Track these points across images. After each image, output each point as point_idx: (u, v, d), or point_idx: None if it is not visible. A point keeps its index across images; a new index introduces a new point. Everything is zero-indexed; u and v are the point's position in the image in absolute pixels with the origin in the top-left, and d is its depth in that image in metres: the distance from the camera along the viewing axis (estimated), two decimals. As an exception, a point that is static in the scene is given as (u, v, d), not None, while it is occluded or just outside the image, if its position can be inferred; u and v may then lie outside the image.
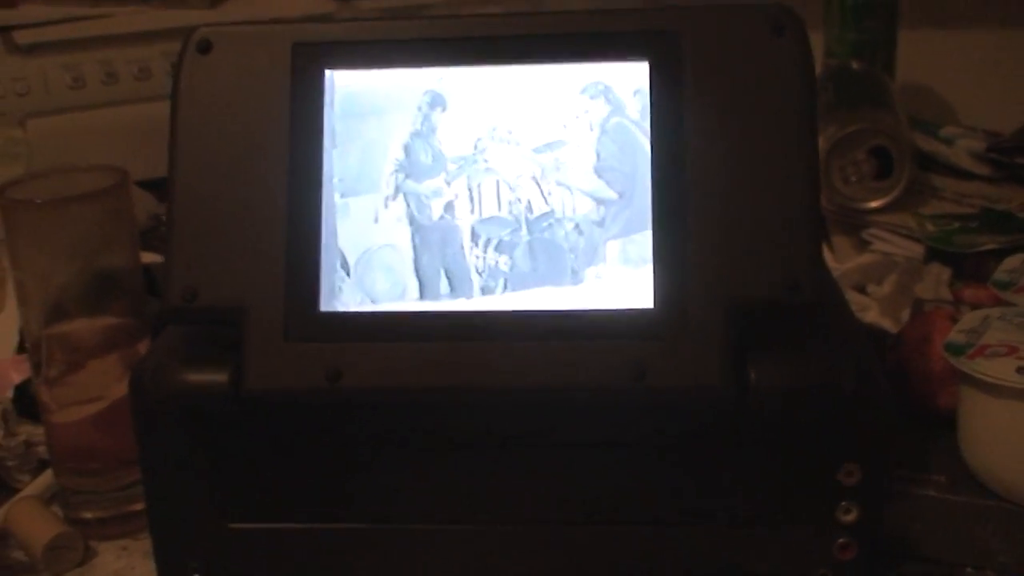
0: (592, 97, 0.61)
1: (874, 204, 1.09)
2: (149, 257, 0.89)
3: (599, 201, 0.60)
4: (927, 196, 1.14)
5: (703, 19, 0.61)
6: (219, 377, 0.59)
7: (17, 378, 0.86)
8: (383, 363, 0.59)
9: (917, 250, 1.03)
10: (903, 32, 1.28)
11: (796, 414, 0.60)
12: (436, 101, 0.61)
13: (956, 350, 0.69)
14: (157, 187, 1.04)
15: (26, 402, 0.84)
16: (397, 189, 0.61)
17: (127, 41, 1.18)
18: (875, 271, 1.01)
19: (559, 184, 0.61)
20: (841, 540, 0.63)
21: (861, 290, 0.99)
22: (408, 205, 0.61)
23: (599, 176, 0.61)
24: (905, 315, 0.92)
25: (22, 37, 1.16)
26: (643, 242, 0.60)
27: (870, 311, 0.95)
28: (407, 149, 0.61)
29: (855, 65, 1.25)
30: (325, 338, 0.60)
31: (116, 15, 1.21)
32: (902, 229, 1.06)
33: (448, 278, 0.61)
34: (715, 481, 0.63)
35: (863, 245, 1.06)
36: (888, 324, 0.93)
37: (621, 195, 0.60)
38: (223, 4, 1.26)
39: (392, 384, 0.59)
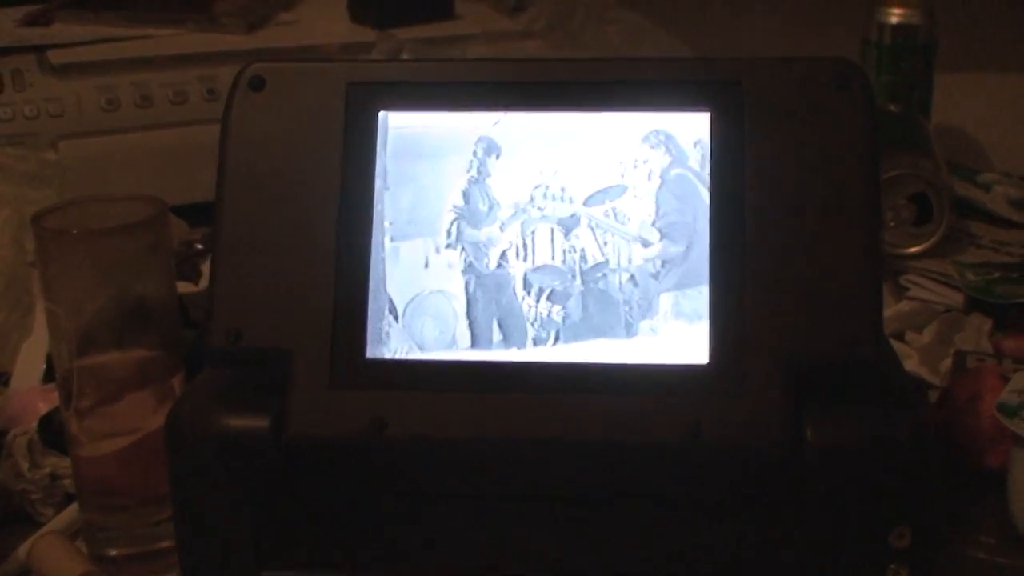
0: (653, 146, 0.60)
1: (913, 250, 1.08)
2: (181, 286, 0.87)
3: (658, 255, 0.59)
4: (965, 243, 1.13)
5: (766, 70, 0.59)
6: (260, 423, 0.58)
7: (44, 408, 0.84)
8: (429, 413, 0.58)
9: (956, 298, 1.02)
10: (939, 75, 1.27)
11: (851, 473, 0.58)
12: (491, 147, 0.60)
13: (1009, 411, 0.68)
14: (190, 213, 1.03)
15: (52, 433, 0.82)
16: (458, 236, 0.60)
17: (163, 64, 1.17)
18: (914, 319, 0.99)
19: (615, 234, 0.59)
20: (890, 604, 0.61)
21: (899, 337, 0.98)
22: (465, 252, 0.60)
23: (658, 229, 0.59)
24: (945, 365, 0.91)
25: (56, 57, 1.15)
26: (699, 296, 0.58)
27: (909, 360, 0.94)
28: (466, 195, 0.60)
29: (893, 108, 1.24)
30: (371, 386, 0.58)
31: (152, 37, 1.20)
32: (941, 276, 1.05)
33: (500, 327, 0.59)
34: (766, 541, 0.61)
35: (900, 291, 1.05)
36: (927, 373, 0.92)
37: (681, 249, 0.59)
38: (260, 29, 1.25)
39: (438, 435, 0.58)
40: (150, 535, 0.76)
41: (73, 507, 0.79)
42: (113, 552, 0.76)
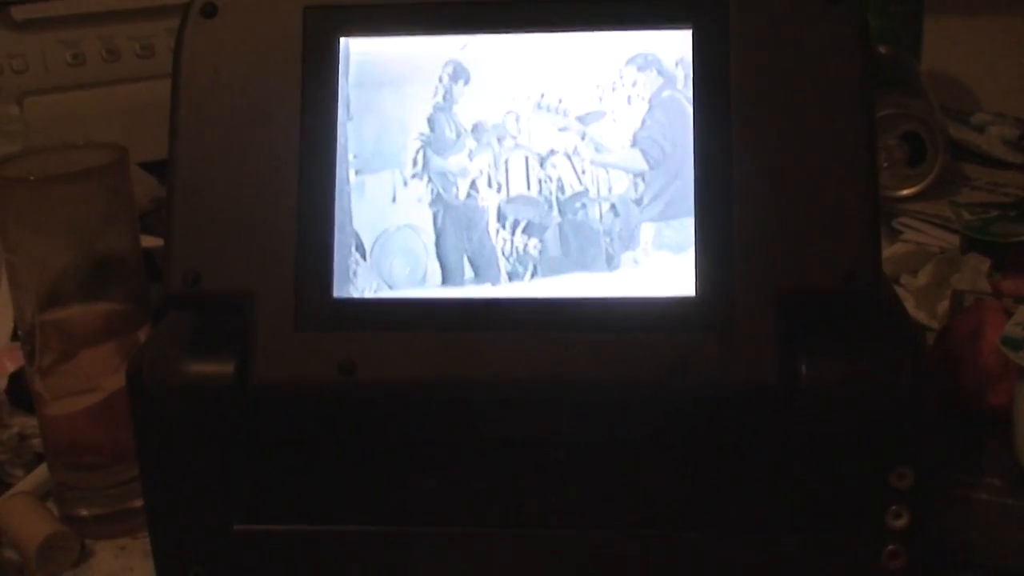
0: (641, 68, 0.56)
1: (906, 192, 1.06)
2: (151, 241, 0.85)
3: (635, 174, 0.56)
4: (960, 185, 1.10)
5: None
6: (224, 368, 0.55)
7: (11, 367, 0.83)
8: (401, 354, 0.55)
9: (951, 240, 0.99)
10: (928, 17, 1.24)
11: (849, 412, 0.55)
12: (458, 71, 0.57)
13: (1014, 345, 0.65)
14: (160, 169, 1.00)
15: (20, 392, 0.80)
16: (424, 165, 0.57)
17: (129, 17, 1.14)
18: (909, 261, 0.97)
19: (594, 161, 0.56)
20: (890, 547, 0.59)
21: (895, 281, 0.95)
22: (433, 183, 0.57)
23: (636, 145, 0.56)
24: (942, 307, 0.89)
25: (19, 12, 1.13)
26: (684, 226, 0.55)
27: (906, 303, 0.91)
28: (431, 122, 0.57)
29: (883, 50, 1.21)
30: (338, 326, 0.56)
31: (118, -10, 1.17)
32: (936, 218, 1.02)
33: (472, 262, 0.56)
34: (759, 484, 0.59)
35: (894, 235, 1.02)
36: (924, 317, 0.90)
37: (655, 166, 0.56)
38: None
39: (410, 376, 0.55)
40: (121, 494, 0.74)
41: (43, 467, 0.78)
42: (84, 512, 0.74)
